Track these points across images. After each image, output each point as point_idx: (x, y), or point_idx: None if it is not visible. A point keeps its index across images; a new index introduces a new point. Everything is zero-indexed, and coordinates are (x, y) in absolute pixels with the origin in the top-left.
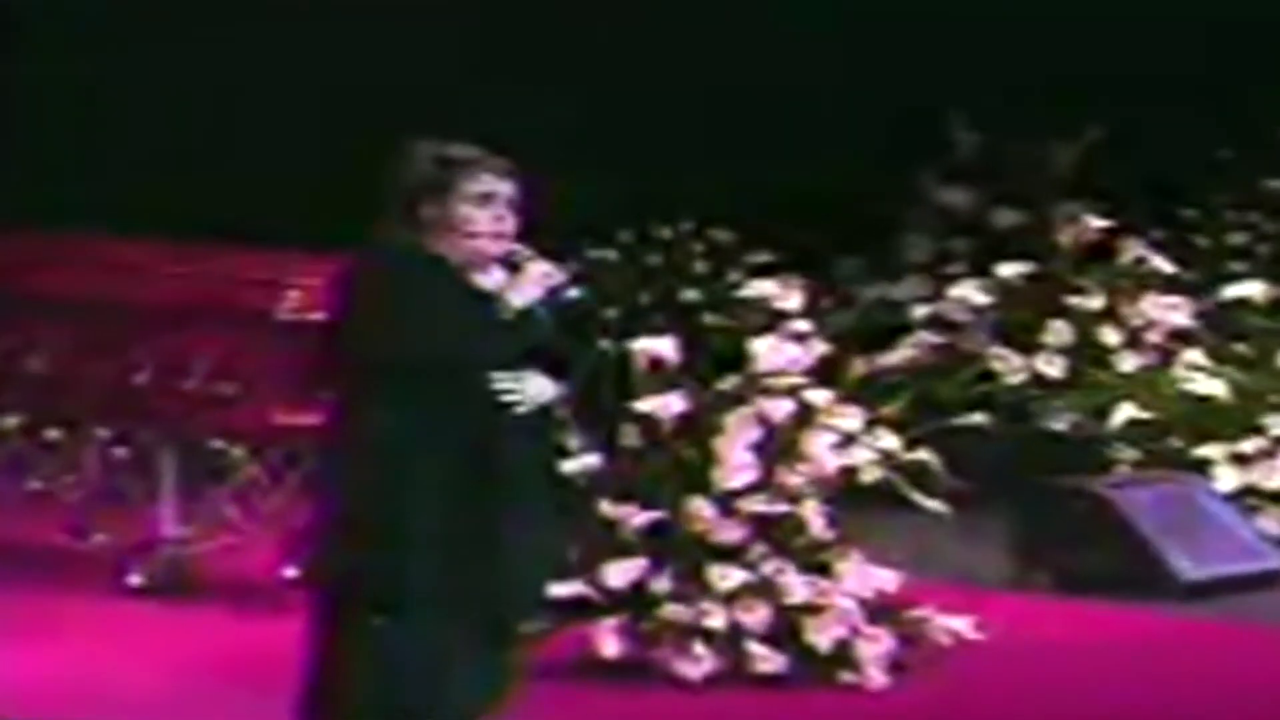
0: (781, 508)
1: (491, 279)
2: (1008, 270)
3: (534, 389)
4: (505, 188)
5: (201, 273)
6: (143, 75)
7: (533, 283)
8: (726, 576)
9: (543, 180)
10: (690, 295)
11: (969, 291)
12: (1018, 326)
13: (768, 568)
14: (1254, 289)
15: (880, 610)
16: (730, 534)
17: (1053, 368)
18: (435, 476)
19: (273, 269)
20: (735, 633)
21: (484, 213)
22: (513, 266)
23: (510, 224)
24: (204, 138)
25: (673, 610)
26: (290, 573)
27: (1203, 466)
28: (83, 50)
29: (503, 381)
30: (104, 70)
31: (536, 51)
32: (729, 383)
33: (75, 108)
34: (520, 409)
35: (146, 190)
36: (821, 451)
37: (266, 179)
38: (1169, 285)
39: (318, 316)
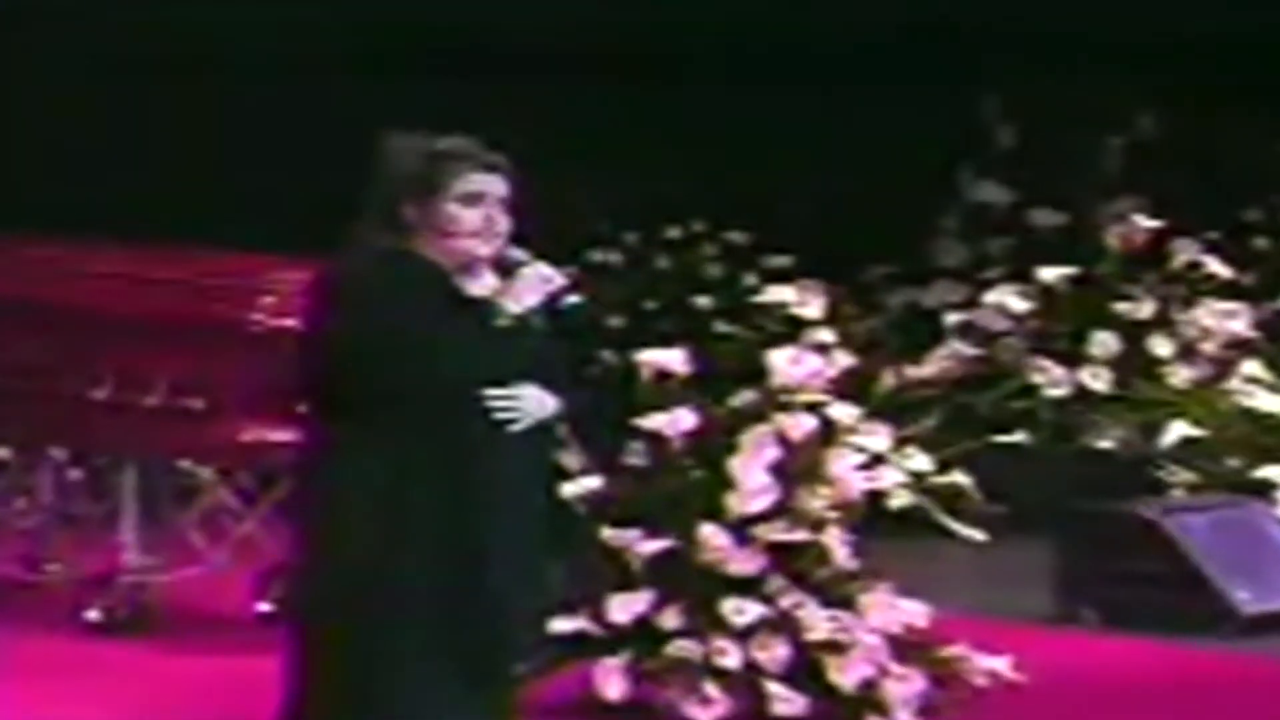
0: (802, 535)
1: (483, 284)
2: (1049, 274)
3: (531, 404)
4: (497, 185)
5: (166, 278)
6: (100, 60)
7: (529, 288)
8: (742, 611)
9: (540, 178)
10: (702, 302)
11: (1007, 297)
12: (1060, 336)
13: (786, 601)
14: None
15: (909, 648)
16: (745, 564)
17: (1099, 381)
18: (418, 501)
19: (244, 274)
20: (751, 672)
21: (473, 212)
22: (506, 271)
23: (503, 224)
24: (163, 133)
25: (682, 647)
26: (264, 607)
27: (1263, 489)
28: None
29: (496, 397)
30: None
31: (530, 43)
32: (744, 398)
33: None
34: (516, 427)
35: (103, 190)
36: (846, 473)
37: (237, 175)
38: (1225, 291)
39: (293, 325)
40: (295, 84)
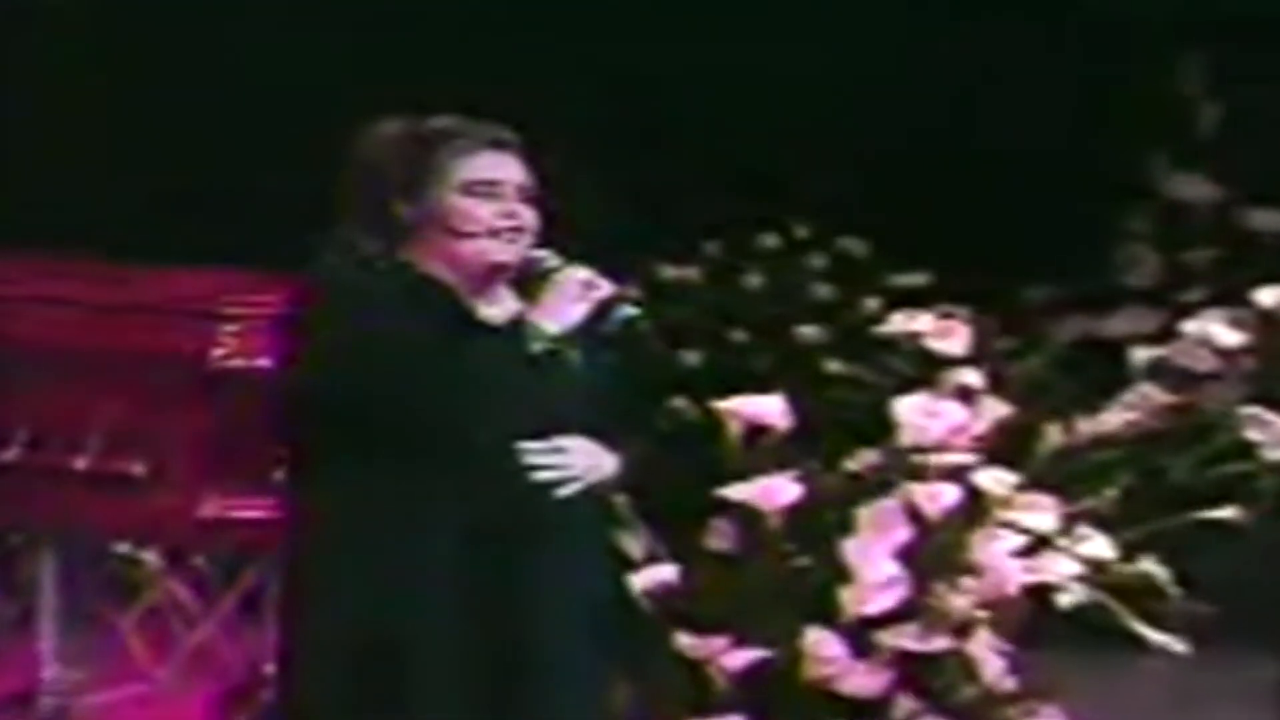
0: (940, 643)
1: (503, 301)
2: (1269, 296)
3: (581, 461)
4: (513, 169)
5: (100, 301)
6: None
7: (568, 300)
8: None
9: (590, 169)
10: (807, 332)
11: (1213, 327)
12: None
13: None
14: None
15: None
16: (865, 681)
17: None
18: (436, 595)
19: (202, 296)
20: None
21: (487, 205)
22: (532, 281)
23: (527, 220)
24: (113, 124)
25: None
26: None
27: None
28: None
29: (533, 452)
30: None
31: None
32: (864, 460)
33: None
34: (562, 492)
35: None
36: (998, 561)
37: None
38: None
39: (264, 364)
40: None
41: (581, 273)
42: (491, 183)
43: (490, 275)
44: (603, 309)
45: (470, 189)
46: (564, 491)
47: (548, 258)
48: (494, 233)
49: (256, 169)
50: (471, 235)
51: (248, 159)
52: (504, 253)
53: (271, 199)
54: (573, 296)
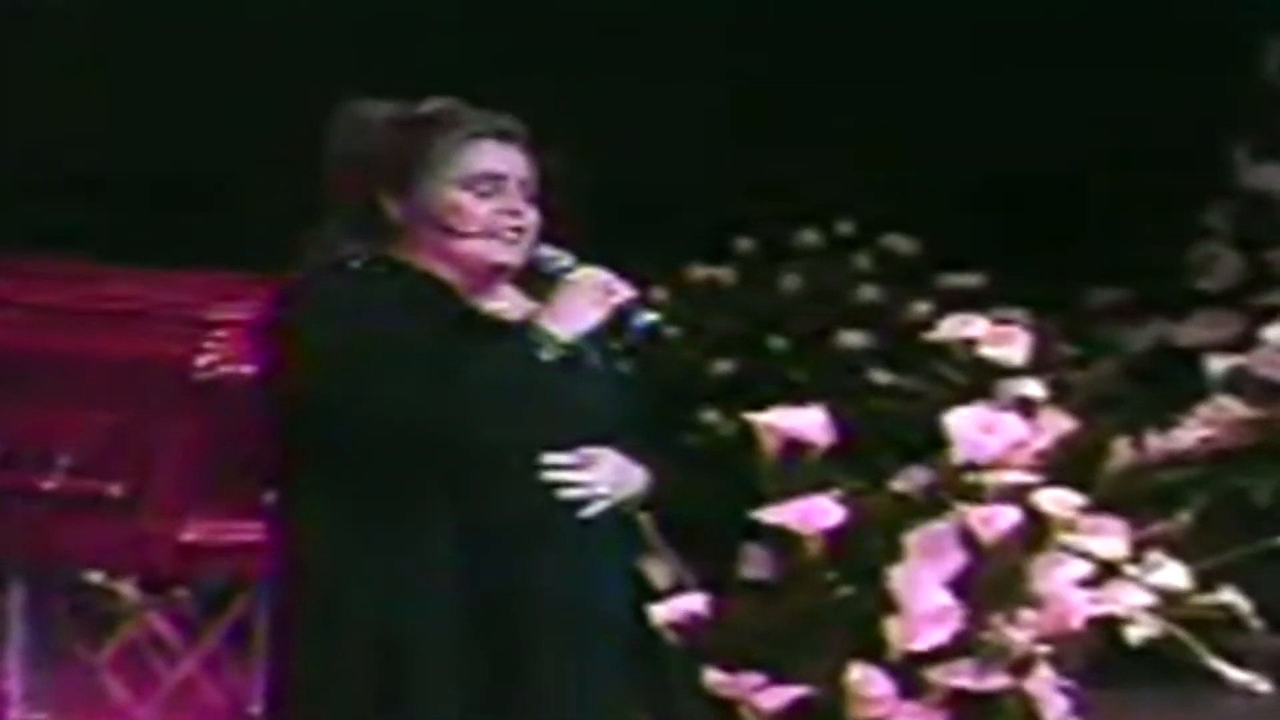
0: (996, 681)
1: (506, 303)
2: None
3: (608, 476)
4: (515, 161)
5: (68, 304)
6: None
7: (583, 303)
8: None
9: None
10: (851, 340)
11: None
12: None
13: None
14: None
15: None
16: None
17: None
18: (439, 628)
19: (184, 298)
20: None
21: (486, 201)
22: (541, 281)
23: (530, 217)
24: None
25: None
26: None
27: None
28: None
29: (556, 467)
30: None
31: None
32: (913, 479)
33: None
34: (587, 511)
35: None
36: (1062, 590)
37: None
38: None
39: (250, 372)
40: None
41: (599, 275)
42: (494, 176)
43: (489, 276)
44: (621, 315)
45: (469, 183)
46: (589, 511)
47: (560, 257)
48: (493, 232)
49: (255, 168)
50: (468, 235)
51: (245, 158)
52: (504, 253)
53: (266, 197)
54: (589, 301)
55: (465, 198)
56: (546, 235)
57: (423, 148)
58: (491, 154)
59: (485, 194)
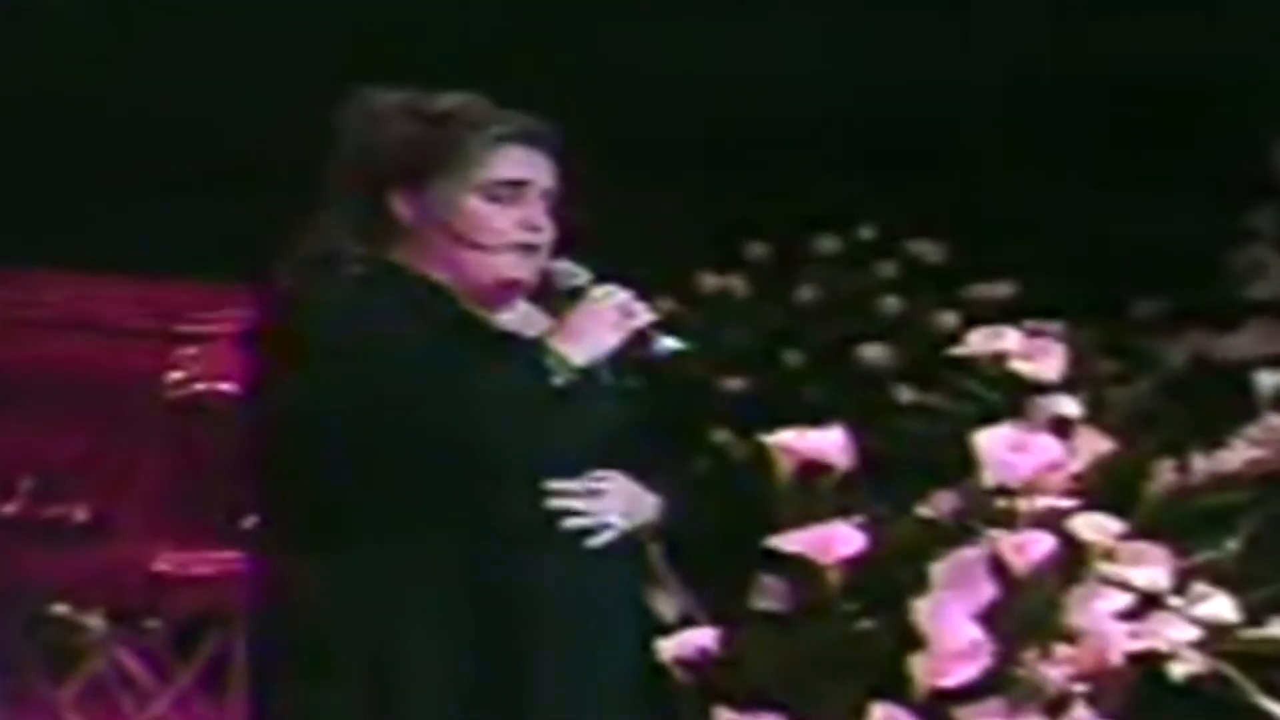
0: None
1: (519, 312)
2: None
3: (619, 504)
4: (543, 169)
5: (33, 317)
6: None
7: (600, 326)
8: None
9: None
10: (871, 354)
11: None
12: None
13: None
14: None
15: None
16: None
17: None
18: (435, 661)
19: (155, 311)
20: None
21: (508, 211)
22: (556, 299)
23: (547, 234)
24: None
25: None
26: None
27: None
28: None
29: (563, 493)
30: None
31: None
32: (939, 504)
33: None
34: (596, 540)
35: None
36: (1100, 624)
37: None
38: None
39: (230, 389)
40: None
41: (618, 294)
42: (517, 184)
43: (501, 291)
44: (639, 339)
45: (490, 190)
46: (597, 541)
47: (577, 273)
48: (510, 246)
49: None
50: (482, 246)
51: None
52: (519, 269)
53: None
54: (607, 324)
55: (483, 206)
56: (562, 247)
57: (441, 146)
58: (517, 159)
59: (505, 203)
